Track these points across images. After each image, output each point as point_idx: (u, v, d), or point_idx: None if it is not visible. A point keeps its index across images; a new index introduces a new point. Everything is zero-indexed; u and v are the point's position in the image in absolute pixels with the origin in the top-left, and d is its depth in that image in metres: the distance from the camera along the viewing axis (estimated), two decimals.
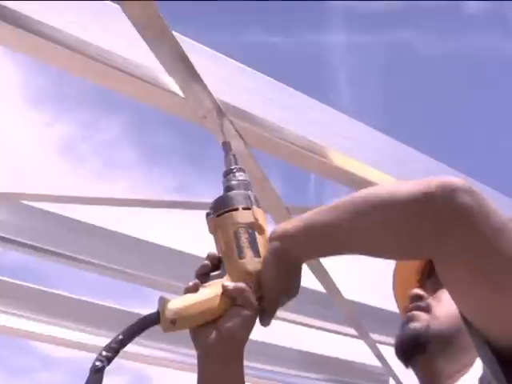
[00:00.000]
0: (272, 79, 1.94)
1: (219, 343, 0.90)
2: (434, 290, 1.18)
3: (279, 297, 0.91)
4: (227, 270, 0.93)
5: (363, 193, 0.84)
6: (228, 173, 1.02)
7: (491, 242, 0.75)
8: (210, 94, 1.59)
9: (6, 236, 2.68)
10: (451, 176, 0.78)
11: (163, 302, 0.90)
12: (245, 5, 4.99)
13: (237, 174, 1.01)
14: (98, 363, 0.85)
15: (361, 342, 2.98)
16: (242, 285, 0.90)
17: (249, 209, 0.95)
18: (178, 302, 0.91)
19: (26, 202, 2.69)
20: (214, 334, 0.90)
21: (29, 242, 2.71)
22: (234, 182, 0.99)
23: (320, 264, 2.50)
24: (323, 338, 3.43)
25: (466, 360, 1.08)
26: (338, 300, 2.64)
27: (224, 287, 0.91)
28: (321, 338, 3.51)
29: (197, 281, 0.93)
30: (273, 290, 0.90)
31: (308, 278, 2.79)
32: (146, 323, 0.89)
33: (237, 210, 0.95)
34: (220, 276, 0.93)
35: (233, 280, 0.92)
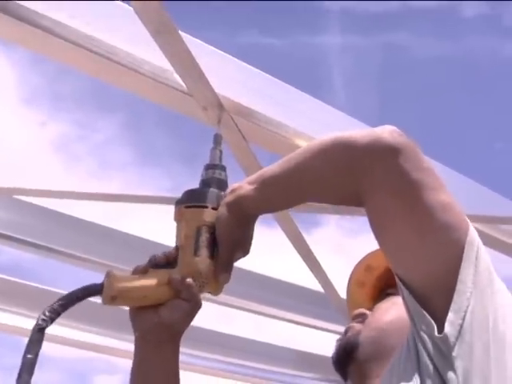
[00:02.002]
0: (270, 77, 1.95)
1: (157, 328, 0.93)
2: None
3: (233, 249, 0.94)
4: (179, 262, 0.94)
5: (312, 142, 0.92)
6: (210, 167, 1.03)
7: (413, 177, 0.83)
8: (211, 88, 1.60)
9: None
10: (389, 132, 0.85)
11: (110, 276, 0.91)
12: (240, 6, 5.00)
13: (217, 171, 1.02)
14: (41, 322, 0.87)
15: None
16: (189, 280, 0.92)
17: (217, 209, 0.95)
18: (124, 281, 0.92)
19: (19, 198, 2.67)
20: (153, 319, 0.93)
21: (23, 238, 2.70)
22: (211, 179, 1.01)
23: (317, 262, 2.51)
24: (319, 337, 3.44)
25: None
26: (334, 298, 2.65)
27: (171, 279, 0.93)
28: (316, 337, 3.52)
29: (147, 264, 0.95)
30: (227, 242, 0.93)
31: (304, 277, 2.80)
32: (89, 291, 0.91)
33: (206, 207, 0.95)
34: (172, 265, 0.94)
35: (182, 273, 0.93)
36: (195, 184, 1.04)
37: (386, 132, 0.84)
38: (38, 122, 4.26)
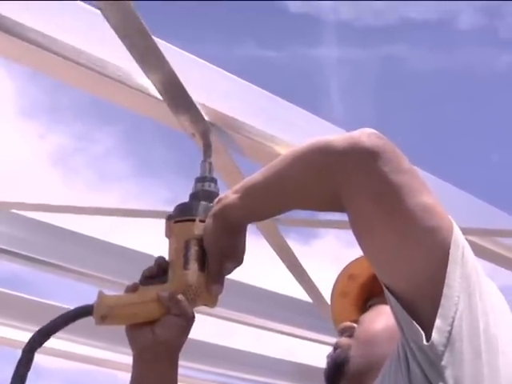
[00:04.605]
0: (262, 90, 1.95)
1: (153, 345, 0.93)
2: None
3: (222, 259, 0.93)
4: (170, 278, 0.94)
5: (292, 149, 0.91)
6: (199, 180, 1.03)
7: (393, 180, 0.81)
8: (198, 111, 1.60)
9: None
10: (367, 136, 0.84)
11: (100, 296, 0.92)
12: (238, 18, 5.03)
13: (206, 183, 1.03)
14: (30, 345, 0.88)
15: None
16: (177, 296, 0.92)
17: None
18: (113, 300, 0.93)
19: (17, 212, 2.68)
20: (149, 336, 0.93)
21: (20, 252, 2.70)
22: (200, 191, 1.01)
23: (306, 274, 2.50)
24: (315, 348, 3.43)
25: None
26: (325, 310, 2.64)
27: (159, 295, 0.92)
28: (312, 349, 3.50)
29: (137, 282, 0.95)
30: (215, 252, 0.92)
31: (299, 289, 2.80)
32: (80, 313, 0.92)
33: (194, 220, 0.95)
34: (162, 281, 0.95)
35: (173, 288, 0.93)
36: None
37: (364, 135, 0.82)
38: (37, 135, 4.28)
